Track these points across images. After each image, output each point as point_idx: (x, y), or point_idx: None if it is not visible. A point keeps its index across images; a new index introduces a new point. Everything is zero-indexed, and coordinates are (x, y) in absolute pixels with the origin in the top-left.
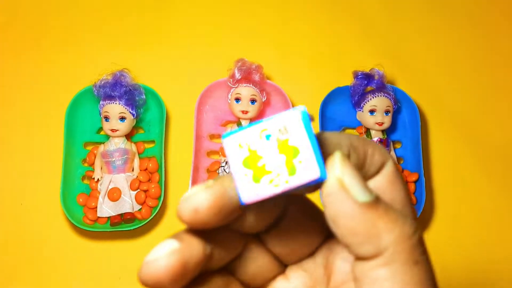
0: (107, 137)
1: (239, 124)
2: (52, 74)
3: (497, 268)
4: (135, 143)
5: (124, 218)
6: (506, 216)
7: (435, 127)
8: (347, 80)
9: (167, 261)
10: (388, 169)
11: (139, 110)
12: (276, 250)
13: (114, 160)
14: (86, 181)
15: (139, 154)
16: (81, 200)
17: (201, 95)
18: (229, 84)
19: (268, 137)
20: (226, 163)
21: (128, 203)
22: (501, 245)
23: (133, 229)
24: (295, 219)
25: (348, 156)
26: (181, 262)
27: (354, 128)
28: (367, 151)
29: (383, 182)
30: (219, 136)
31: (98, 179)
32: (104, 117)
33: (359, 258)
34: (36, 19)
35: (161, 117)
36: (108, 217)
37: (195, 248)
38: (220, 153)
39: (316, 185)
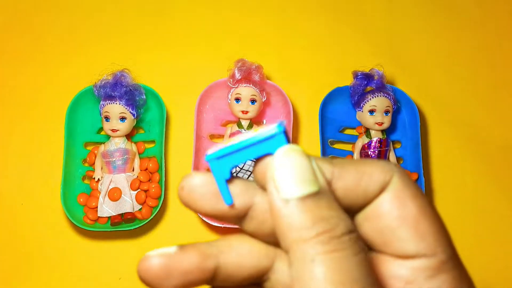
0: (108, 137)
1: (239, 124)
2: (53, 74)
3: (497, 268)
4: (135, 143)
5: (125, 218)
6: (506, 216)
7: (435, 127)
8: (347, 80)
9: (154, 260)
10: (394, 186)
11: (139, 110)
12: None
13: (114, 160)
14: (86, 181)
15: (139, 154)
16: (81, 200)
17: (201, 95)
18: (229, 84)
19: None
20: None
21: (128, 203)
22: (501, 245)
23: (134, 229)
24: None
25: (329, 183)
26: (165, 265)
27: (354, 128)
28: (365, 171)
29: (389, 199)
30: (219, 136)
31: (98, 179)
32: (105, 117)
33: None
34: (36, 19)
35: (161, 117)
36: (108, 217)
37: (188, 259)
38: None
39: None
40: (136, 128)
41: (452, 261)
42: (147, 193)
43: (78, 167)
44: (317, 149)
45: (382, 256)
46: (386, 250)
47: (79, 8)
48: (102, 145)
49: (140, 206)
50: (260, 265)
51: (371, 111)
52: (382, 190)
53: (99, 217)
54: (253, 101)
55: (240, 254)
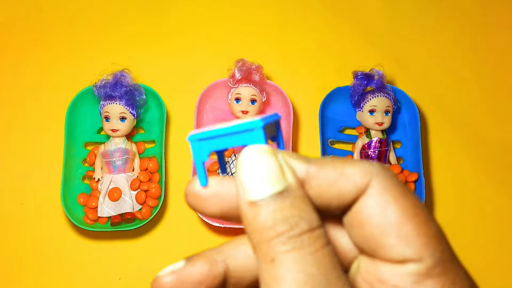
0: (108, 137)
1: None
2: (53, 74)
3: (497, 268)
4: (135, 143)
5: (125, 218)
6: (506, 216)
7: (435, 127)
8: (347, 80)
9: (165, 279)
10: (373, 190)
11: (139, 110)
12: None
13: (114, 160)
14: (86, 181)
15: (139, 154)
16: (81, 200)
17: (201, 95)
18: (229, 84)
19: None
20: (227, 163)
21: (128, 203)
22: (501, 245)
23: (134, 229)
24: None
25: (301, 181)
26: (177, 281)
27: (354, 128)
28: (343, 172)
29: (369, 205)
30: None
31: (98, 179)
32: (105, 117)
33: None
34: (36, 19)
35: (161, 117)
36: (108, 217)
37: (198, 270)
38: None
39: None
40: (136, 128)
41: (442, 266)
42: (147, 193)
43: (78, 167)
44: (317, 149)
45: (374, 260)
46: (375, 255)
47: (79, 8)
48: (102, 145)
49: (140, 206)
50: None
51: (371, 111)
52: (359, 193)
53: (99, 217)
54: (253, 101)
55: (247, 255)
